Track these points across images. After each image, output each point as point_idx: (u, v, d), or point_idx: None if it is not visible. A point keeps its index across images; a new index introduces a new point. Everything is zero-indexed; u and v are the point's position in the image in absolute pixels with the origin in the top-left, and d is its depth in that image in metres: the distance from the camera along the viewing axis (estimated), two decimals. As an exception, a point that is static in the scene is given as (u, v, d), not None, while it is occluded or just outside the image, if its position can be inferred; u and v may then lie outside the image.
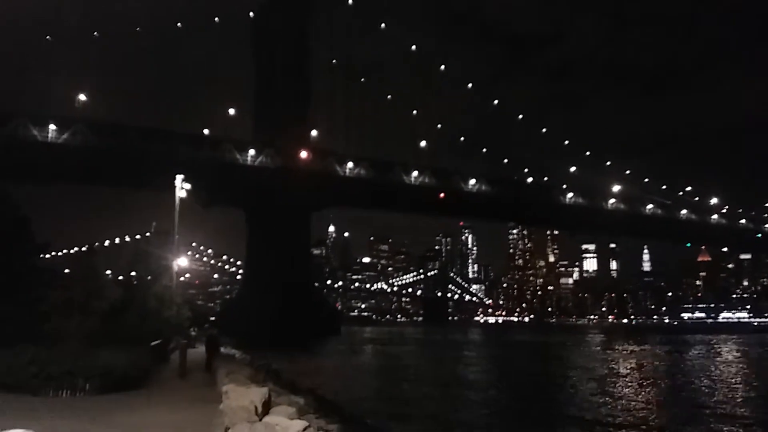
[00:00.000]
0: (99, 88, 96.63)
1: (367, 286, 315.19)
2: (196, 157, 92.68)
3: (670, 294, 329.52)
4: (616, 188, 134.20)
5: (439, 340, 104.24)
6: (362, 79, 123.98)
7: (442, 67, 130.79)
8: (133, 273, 38.54)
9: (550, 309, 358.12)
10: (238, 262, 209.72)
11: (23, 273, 25.17)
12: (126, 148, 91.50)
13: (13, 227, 25.24)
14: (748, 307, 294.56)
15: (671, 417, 23.91)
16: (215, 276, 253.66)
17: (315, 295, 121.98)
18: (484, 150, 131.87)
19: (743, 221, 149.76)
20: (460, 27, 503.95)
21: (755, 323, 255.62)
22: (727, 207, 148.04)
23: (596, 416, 23.43)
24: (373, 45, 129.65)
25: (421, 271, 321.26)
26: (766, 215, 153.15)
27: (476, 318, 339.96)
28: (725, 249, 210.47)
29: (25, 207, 27.26)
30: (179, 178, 34.44)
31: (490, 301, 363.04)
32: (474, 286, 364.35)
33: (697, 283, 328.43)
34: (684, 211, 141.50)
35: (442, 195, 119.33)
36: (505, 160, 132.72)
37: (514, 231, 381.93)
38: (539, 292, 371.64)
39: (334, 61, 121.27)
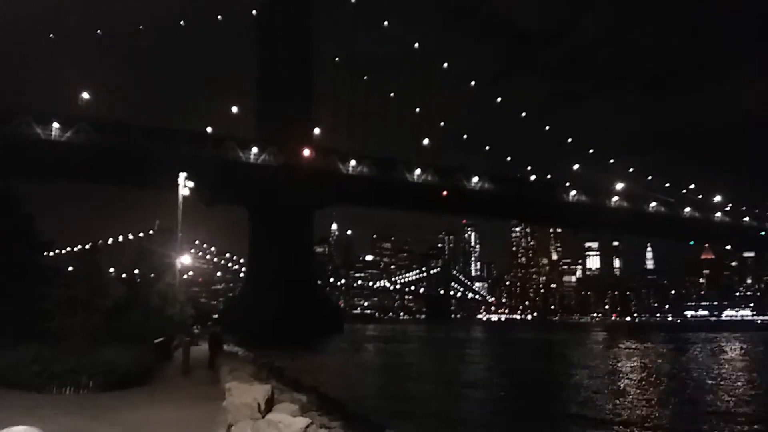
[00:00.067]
0: (102, 86, 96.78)
1: (370, 284, 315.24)
2: (199, 155, 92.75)
3: (673, 292, 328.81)
4: (619, 186, 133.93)
5: (441, 337, 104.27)
6: (365, 77, 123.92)
7: (445, 64, 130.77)
8: (136, 271, 38.60)
9: (553, 307, 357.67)
10: (241, 260, 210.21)
11: (27, 271, 25.24)
12: (129, 147, 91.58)
13: (16, 225, 25.30)
14: (752, 304, 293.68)
15: (674, 415, 23.88)
16: (218, 274, 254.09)
17: (318, 293, 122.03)
18: (487, 148, 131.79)
19: (747, 219, 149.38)
20: (463, 24, 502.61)
21: (758, 321, 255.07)
22: (730, 205, 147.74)
23: (599, 414, 23.42)
24: (376, 42, 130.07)
25: (423, 268, 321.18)
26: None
27: (479, 316, 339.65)
28: (729, 247, 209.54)
29: (28, 205, 27.31)
30: (182, 176, 34.50)
31: (493, 299, 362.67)
32: (477, 284, 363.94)
33: (701, 280, 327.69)
34: (687, 209, 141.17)
35: (444, 193, 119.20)
36: (508, 158, 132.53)
37: (517, 229, 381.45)
38: (542, 290, 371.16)
39: (336, 58, 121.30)
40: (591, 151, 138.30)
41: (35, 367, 16.10)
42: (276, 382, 20.00)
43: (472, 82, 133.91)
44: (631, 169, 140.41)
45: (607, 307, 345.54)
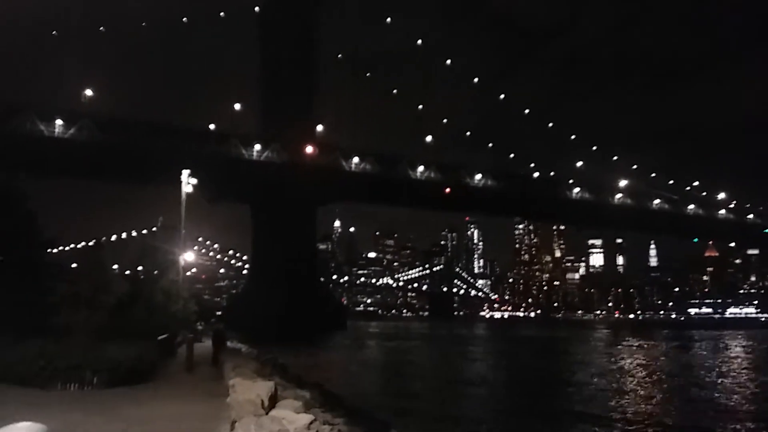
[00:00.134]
0: (105, 83, 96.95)
1: (373, 281, 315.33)
2: (202, 152, 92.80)
3: (676, 289, 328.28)
4: (622, 183, 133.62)
5: (444, 335, 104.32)
6: (368, 74, 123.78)
7: (448, 61, 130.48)
8: (140, 267, 38.72)
9: (556, 304, 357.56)
10: (245, 257, 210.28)
11: (31, 268, 25.29)
12: (132, 144, 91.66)
13: (20, 222, 25.34)
14: (756, 302, 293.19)
15: (678, 413, 23.85)
16: (221, 271, 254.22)
17: (321, 290, 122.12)
18: (490, 144, 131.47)
19: (751, 216, 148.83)
20: (465, 21, 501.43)
21: (762, 319, 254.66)
22: (734, 202, 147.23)
23: (603, 412, 23.39)
24: (378, 39, 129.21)
25: (426, 266, 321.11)
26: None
27: (482, 313, 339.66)
28: (733, 244, 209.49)
29: (32, 201, 27.35)
30: (185, 173, 34.53)
31: (496, 296, 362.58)
32: (480, 281, 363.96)
33: (704, 278, 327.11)
34: (691, 206, 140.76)
35: (447, 190, 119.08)
36: (512, 155, 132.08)
37: (520, 226, 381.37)
38: (545, 288, 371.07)
39: (339, 55, 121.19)
40: (594, 148, 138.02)
41: (40, 363, 16.14)
42: (279, 378, 20.02)
43: (475, 79, 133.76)
44: (634, 166, 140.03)
45: (610, 304, 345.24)
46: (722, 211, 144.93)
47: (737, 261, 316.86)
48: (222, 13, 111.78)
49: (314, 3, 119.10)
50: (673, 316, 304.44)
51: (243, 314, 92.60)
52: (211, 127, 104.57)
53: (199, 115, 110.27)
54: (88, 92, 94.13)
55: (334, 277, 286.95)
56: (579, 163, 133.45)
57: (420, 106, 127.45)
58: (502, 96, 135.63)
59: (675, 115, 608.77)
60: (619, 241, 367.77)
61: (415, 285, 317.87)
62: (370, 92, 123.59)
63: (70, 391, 15.92)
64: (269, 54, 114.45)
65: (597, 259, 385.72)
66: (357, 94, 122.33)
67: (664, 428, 20.60)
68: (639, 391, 29.98)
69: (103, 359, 16.95)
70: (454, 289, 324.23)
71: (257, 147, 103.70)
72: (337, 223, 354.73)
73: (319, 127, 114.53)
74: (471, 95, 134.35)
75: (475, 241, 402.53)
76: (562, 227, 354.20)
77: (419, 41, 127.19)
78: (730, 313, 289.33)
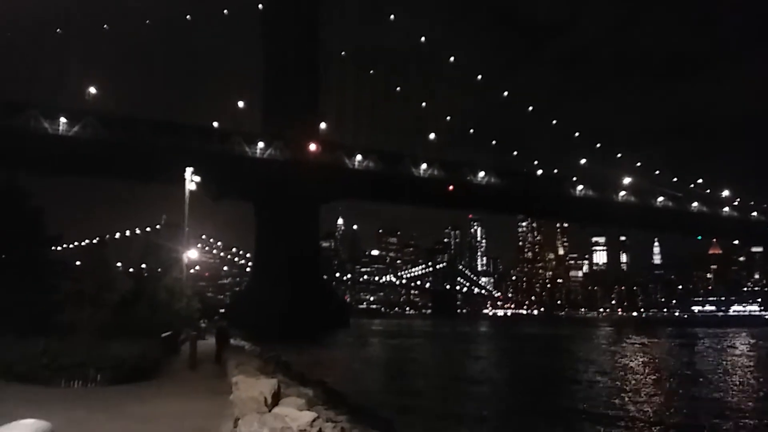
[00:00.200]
0: (108, 81, 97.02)
1: (376, 278, 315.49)
2: (205, 149, 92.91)
3: (680, 287, 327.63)
4: (626, 180, 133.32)
5: (447, 332, 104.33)
6: (371, 71, 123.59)
7: (452, 58, 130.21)
8: (143, 265, 38.77)
9: (559, 302, 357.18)
10: (248, 255, 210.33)
11: (35, 265, 25.38)
12: (136, 141, 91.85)
13: (24, 219, 25.43)
14: (759, 300, 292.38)
15: (681, 411, 23.81)
16: (225, 268, 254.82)
17: (324, 288, 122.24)
18: (494, 142, 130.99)
19: (755, 214, 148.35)
20: (468, 18, 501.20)
21: (766, 316, 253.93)
22: (738, 199, 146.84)
23: (606, 411, 23.38)
24: (382, 36, 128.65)
25: (429, 263, 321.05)
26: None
27: (485, 311, 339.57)
28: (736, 242, 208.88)
29: (36, 199, 27.43)
30: (189, 170, 34.52)
31: (499, 293, 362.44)
32: (483, 279, 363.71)
33: (708, 276, 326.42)
34: (695, 204, 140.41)
35: (451, 187, 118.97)
36: (515, 153, 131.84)
37: (524, 223, 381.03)
38: (548, 285, 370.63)
39: (343, 53, 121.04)
40: (598, 145, 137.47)
41: (43, 360, 16.20)
42: (282, 376, 20.05)
43: (479, 77, 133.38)
44: (638, 164, 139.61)
45: (613, 302, 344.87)
46: (726, 209, 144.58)
47: (741, 259, 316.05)
48: (225, 11, 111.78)
49: (317, 1, 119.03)
50: (677, 313, 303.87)
51: (246, 312, 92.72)
52: (215, 124, 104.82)
53: (202, 112, 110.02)
54: (92, 90, 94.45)
55: (337, 274, 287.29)
56: (582, 161, 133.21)
57: (423, 104, 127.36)
58: (506, 93, 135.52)
59: (675, 114, 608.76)
60: (623, 238, 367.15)
61: (418, 283, 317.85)
62: (373, 90, 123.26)
63: (73, 389, 15.97)
64: (272, 51, 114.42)
65: (600, 257, 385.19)
66: (360, 91, 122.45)
67: (668, 426, 20.59)
68: (642, 389, 29.94)
69: (107, 357, 17.01)
70: (457, 287, 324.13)
71: (260, 145, 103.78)
72: (340, 221, 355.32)
73: (322, 125, 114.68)
74: (474, 93, 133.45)
75: (478, 238, 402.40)
76: (566, 225, 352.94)
77: (423, 38, 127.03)
78: (734, 311, 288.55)
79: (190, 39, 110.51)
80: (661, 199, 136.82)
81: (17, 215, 24.97)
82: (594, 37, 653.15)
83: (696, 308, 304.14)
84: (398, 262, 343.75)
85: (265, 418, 9.03)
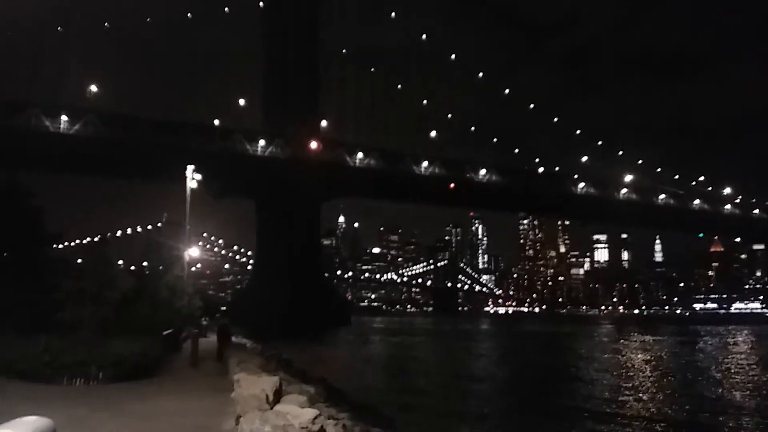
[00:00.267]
0: (110, 79, 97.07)
1: (377, 276, 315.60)
2: (206, 148, 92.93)
3: (682, 284, 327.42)
4: (628, 178, 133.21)
5: (448, 330, 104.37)
6: (372, 69, 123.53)
7: (453, 56, 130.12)
8: (145, 263, 38.84)
9: (560, 299, 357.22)
10: (249, 253, 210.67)
11: (36, 263, 25.39)
12: (137, 139, 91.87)
13: (25, 217, 25.45)
14: (761, 297, 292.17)
15: (682, 409, 23.79)
16: (226, 266, 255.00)
17: (325, 286, 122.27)
18: (495, 140, 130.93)
19: (756, 211, 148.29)
20: (469, 16, 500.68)
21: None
22: (740, 197, 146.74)
23: (607, 409, 23.39)
24: (382, 34, 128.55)
25: (431, 261, 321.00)
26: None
27: (486, 308, 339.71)
28: (738, 239, 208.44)
29: (37, 197, 27.44)
30: (190, 168, 34.54)
31: (501, 291, 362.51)
32: (484, 277, 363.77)
33: (710, 273, 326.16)
34: (697, 201, 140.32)
35: (452, 185, 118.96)
36: (516, 150, 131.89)
37: (525, 221, 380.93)
38: (550, 283, 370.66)
39: (343, 50, 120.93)
40: (599, 142, 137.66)
41: (45, 358, 16.22)
42: (284, 373, 20.06)
43: (480, 74, 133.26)
44: (640, 161, 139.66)
45: (615, 299, 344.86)
46: (728, 206, 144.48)
47: (743, 256, 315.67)
48: (226, 9, 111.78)
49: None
50: (678, 311, 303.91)
51: (247, 310, 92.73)
52: (216, 122, 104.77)
53: (203, 110, 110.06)
54: (93, 88, 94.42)
55: (339, 272, 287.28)
56: (584, 158, 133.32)
57: (424, 102, 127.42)
58: (507, 91, 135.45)
59: (675, 114, 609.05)
60: (624, 236, 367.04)
61: (420, 280, 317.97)
62: (374, 88, 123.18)
63: (75, 386, 15.99)
64: (273, 50, 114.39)
65: (602, 254, 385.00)
66: (361, 89, 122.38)
67: (670, 424, 20.58)
68: (644, 387, 29.93)
69: (108, 354, 17.02)
70: (459, 285, 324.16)
71: (261, 142, 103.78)
72: (341, 219, 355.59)
73: (324, 123, 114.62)
74: (475, 91, 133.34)
75: (480, 236, 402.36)
76: (567, 222, 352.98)
77: (424, 36, 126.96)
78: (736, 309, 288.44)
79: (190, 37, 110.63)
80: (662, 196, 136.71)
81: (18, 214, 24.99)
82: (594, 36, 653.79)
83: (697, 306, 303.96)
84: (399, 259, 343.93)
85: (267, 416, 9.02)
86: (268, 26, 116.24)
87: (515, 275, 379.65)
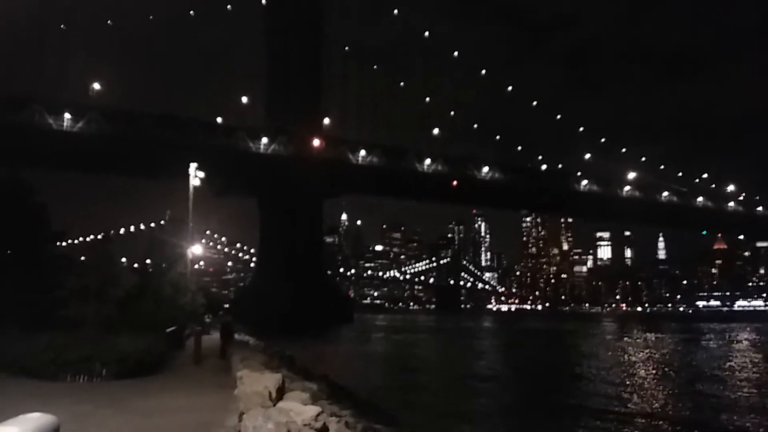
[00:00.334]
0: (112, 76, 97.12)
1: (380, 273, 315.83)
2: (209, 145, 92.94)
3: (685, 282, 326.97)
4: (631, 175, 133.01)
5: (451, 328, 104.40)
6: (375, 66, 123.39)
7: (456, 53, 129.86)
8: (148, 260, 38.88)
9: (563, 297, 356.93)
10: (252, 250, 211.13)
11: (40, 260, 25.45)
12: (140, 137, 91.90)
13: (29, 215, 25.50)
14: (764, 295, 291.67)
15: (685, 407, 23.78)
16: (229, 264, 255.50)
17: (328, 283, 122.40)
18: (498, 137, 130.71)
19: (760, 209, 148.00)
20: (473, 11, 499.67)
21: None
22: (743, 194, 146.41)
23: (610, 406, 23.37)
24: (385, 31, 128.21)
25: (433, 258, 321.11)
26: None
27: (489, 306, 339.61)
28: (741, 237, 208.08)
29: (41, 195, 27.49)
30: (193, 166, 34.55)
31: (503, 289, 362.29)
32: (487, 274, 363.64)
33: (713, 271, 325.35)
34: (700, 199, 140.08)
35: (454, 183, 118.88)
36: (519, 147, 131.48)
37: (528, 219, 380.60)
38: (553, 280, 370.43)
39: (346, 48, 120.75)
40: (603, 140, 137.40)
41: (49, 355, 16.26)
42: (287, 371, 20.10)
43: (482, 71, 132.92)
44: (643, 159, 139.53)
45: (618, 297, 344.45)
46: (731, 204, 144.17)
47: (746, 253, 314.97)
48: (229, 6, 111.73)
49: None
50: (682, 309, 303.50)
51: (250, 307, 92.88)
52: (219, 120, 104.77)
53: (206, 108, 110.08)
54: (96, 86, 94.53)
55: (341, 270, 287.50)
56: (587, 156, 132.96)
57: (427, 99, 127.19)
58: (510, 88, 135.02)
59: (676, 114, 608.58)
60: (627, 233, 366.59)
61: (422, 278, 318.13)
62: (377, 85, 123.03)
63: (79, 383, 16.04)
64: (276, 47, 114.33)
65: (605, 252, 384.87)
66: (363, 87, 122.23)
67: (672, 422, 20.56)
68: (646, 384, 29.91)
69: (112, 351, 17.06)
70: (461, 282, 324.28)
71: (264, 140, 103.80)
72: (344, 216, 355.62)
73: (326, 120, 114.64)
74: (478, 88, 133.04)
75: (482, 233, 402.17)
76: (570, 220, 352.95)
77: (426, 33, 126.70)
78: (739, 306, 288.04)
79: (193, 35, 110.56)
80: (665, 194, 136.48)
81: (21, 211, 25.05)
82: (594, 36, 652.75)
83: (701, 303, 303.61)
84: (402, 257, 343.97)
85: (270, 413, 9.03)
86: (270, 24, 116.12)
87: (518, 273, 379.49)
